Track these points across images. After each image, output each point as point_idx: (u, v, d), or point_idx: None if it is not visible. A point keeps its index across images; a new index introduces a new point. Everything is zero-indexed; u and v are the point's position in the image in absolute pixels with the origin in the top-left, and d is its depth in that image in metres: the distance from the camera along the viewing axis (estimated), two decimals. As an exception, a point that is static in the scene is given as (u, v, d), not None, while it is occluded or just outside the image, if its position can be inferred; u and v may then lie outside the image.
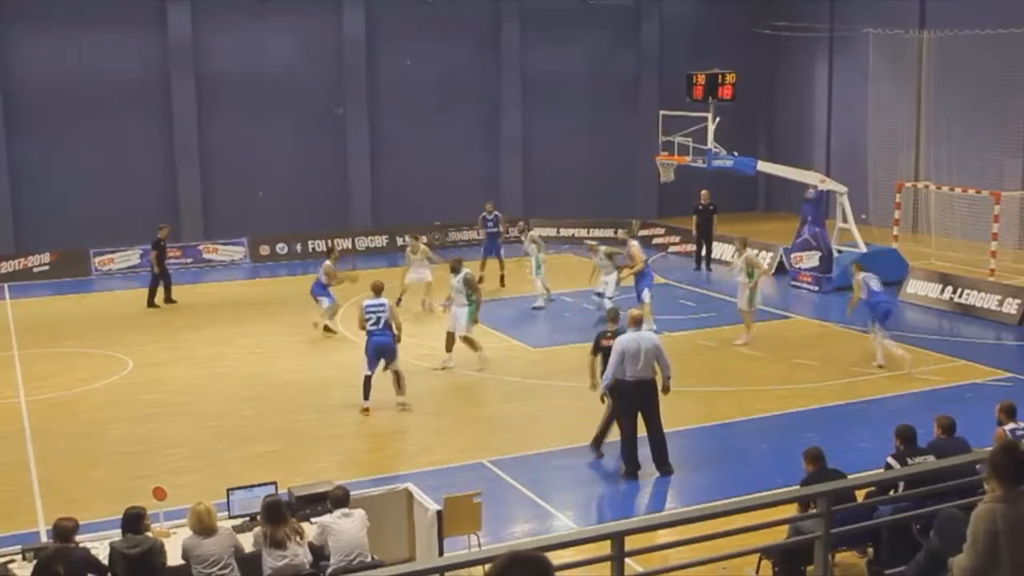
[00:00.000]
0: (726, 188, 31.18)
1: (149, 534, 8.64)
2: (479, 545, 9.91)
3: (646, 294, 19.53)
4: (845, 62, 32.37)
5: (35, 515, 11.70)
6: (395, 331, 15.09)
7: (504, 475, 12.68)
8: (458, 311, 17.36)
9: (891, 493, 8.88)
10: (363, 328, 15.14)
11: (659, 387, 12.61)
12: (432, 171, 30.83)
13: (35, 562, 8.29)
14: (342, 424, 14.81)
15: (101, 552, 8.62)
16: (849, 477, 9.18)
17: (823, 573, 6.78)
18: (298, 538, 8.68)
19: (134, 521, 8.46)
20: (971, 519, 5.68)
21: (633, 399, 12.48)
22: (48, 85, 27.15)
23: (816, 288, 23.01)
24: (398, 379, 15.12)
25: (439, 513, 9.66)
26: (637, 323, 12.73)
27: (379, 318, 14.96)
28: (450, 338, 17.33)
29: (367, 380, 15.00)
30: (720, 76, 24.43)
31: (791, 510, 8.61)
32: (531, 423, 14.81)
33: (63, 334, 20.07)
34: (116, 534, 8.63)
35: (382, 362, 15.07)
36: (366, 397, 15.03)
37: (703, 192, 25.92)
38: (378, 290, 15.34)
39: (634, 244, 20.53)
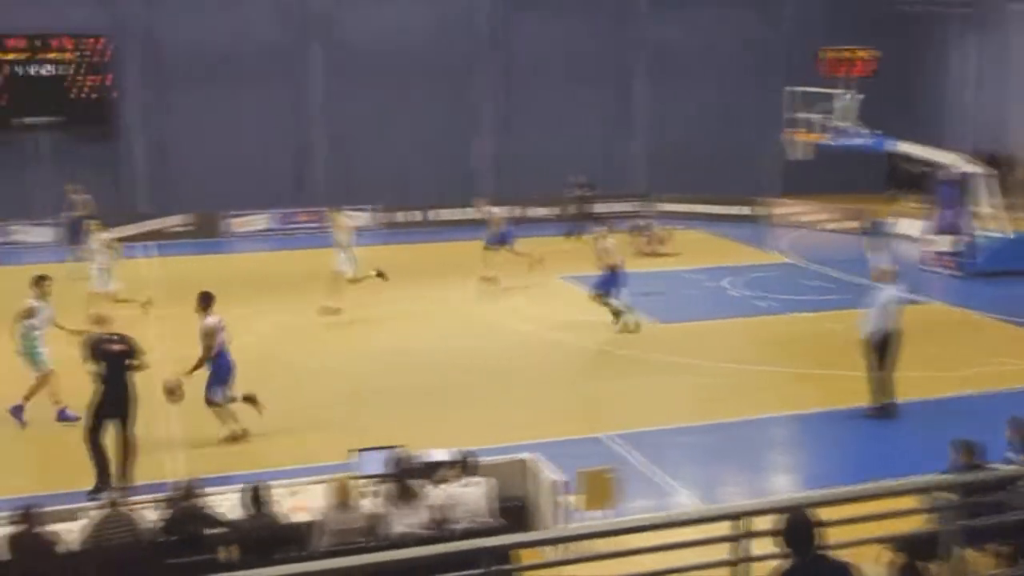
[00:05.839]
0: (857, 167, 30.40)
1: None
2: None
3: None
4: (988, 39, 31.08)
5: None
6: None
7: (623, 450, 12.66)
8: None
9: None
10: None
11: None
12: (556, 145, 30.77)
13: (169, 518, 8.70)
14: (475, 390, 14.90)
15: (226, 506, 9.02)
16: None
17: (953, 567, 6.61)
18: (421, 502, 8.84)
19: (258, 495, 8.74)
20: None
21: (890, 344, 13.68)
22: (188, 52, 28.01)
23: (960, 273, 22.25)
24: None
25: (558, 484, 9.70)
26: (892, 277, 14.14)
27: None
28: None
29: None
30: (855, 52, 23.87)
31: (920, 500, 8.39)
32: (650, 398, 14.70)
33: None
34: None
35: None
36: None
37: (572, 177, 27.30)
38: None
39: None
